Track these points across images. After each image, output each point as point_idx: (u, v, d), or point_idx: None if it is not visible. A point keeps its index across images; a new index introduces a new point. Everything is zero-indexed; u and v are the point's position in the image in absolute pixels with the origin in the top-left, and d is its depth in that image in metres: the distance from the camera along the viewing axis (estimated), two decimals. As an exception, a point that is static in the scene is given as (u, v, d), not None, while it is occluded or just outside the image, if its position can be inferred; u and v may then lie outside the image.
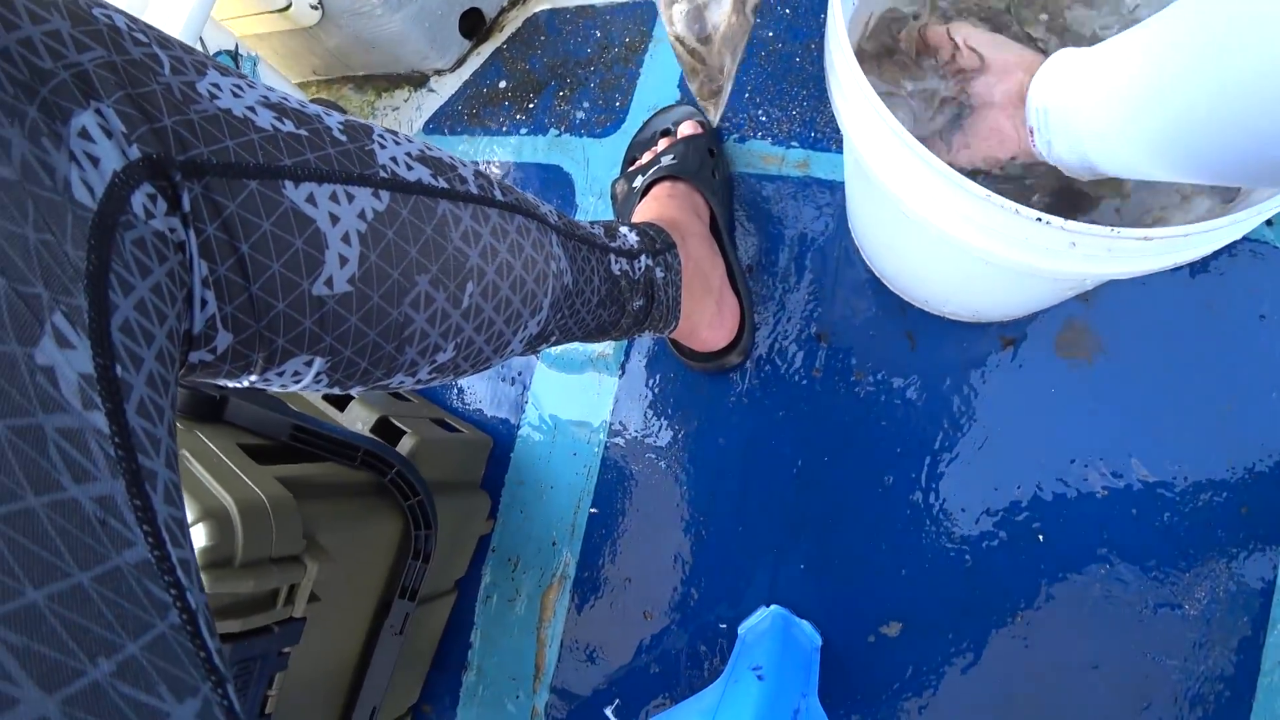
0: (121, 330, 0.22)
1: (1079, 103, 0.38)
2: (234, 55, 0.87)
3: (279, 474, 0.51)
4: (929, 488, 0.63)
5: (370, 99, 1.03)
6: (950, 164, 0.35)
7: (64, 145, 0.22)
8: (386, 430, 0.66)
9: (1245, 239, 0.63)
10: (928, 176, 0.36)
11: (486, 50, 0.96)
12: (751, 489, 0.68)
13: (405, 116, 0.98)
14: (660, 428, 0.71)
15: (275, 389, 0.34)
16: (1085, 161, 0.40)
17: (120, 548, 0.19)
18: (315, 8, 0.85)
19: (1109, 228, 0.33)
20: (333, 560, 0.51)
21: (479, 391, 0.80)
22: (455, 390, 0.81)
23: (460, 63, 0.97)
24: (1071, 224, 0.34)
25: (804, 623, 0.65)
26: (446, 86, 0.96)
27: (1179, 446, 0.60)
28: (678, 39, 0.46)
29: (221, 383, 0.32)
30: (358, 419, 0.67)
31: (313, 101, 0.99)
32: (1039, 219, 0.33)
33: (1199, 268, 0.64)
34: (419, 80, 0.99)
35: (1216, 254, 0.63)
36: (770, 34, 0.78)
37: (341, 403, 0.69)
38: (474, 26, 0.96)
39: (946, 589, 0.62)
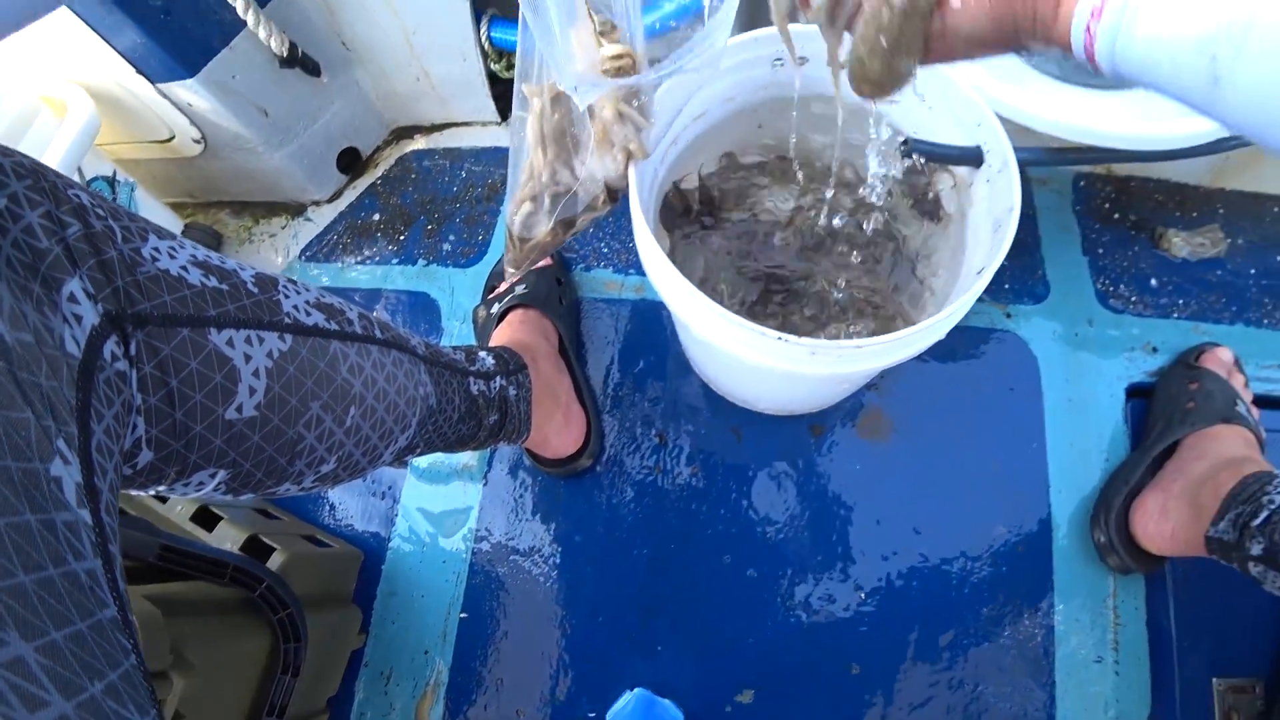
0: (96, 450, 0.29)
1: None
2: (111, 181, 0.89)
3: (146, 592, 0.52)
4: (763, 562, 0.72)
5: (247, 224, 1.06)
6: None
7: (59, 310, 0.29)
8: (256, 548, 0.68)
9: (992, 330, 0.80)
10: (706, 312, 0.47)
11: (362, 185, 1.04)
12: (608, 581, 0.74)
13: (282, 243, 1.03)
14: (522, 531, 0.77)
15: (176, 495, 0.39)
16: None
17: (102, 607, 0.26)
18: (198, 141, 0.90)
19: (834, 341, 0.45)
20: (199, 676, 0.52)
21: (350, 506, 0.83)
22: (327, 506, 0.84)
23: (337, 195, 1.04)
24: (806, 340, 0.45)
25: (666, 702, 0.70)
26: (323, 216, 1.03)
27: (964, 501, 0.73)
28: (508, 228, 0.56)
29: (131, 492, 0.37)
30: (226, 538, 0.68)
31: (189, 225, 1.03)
32: (780, 338, 0.44)
33: (961, 355, 0.79)
34: (297, 209, 1.05)
35: (972, 343, 0.79)
36: (612, 178, 0.92)
37: (210, 523, 0.70)
38: (350, 163, 1.05)
39: (788, 652, 0.70)
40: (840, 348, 0.44)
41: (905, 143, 0.56)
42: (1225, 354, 0.74)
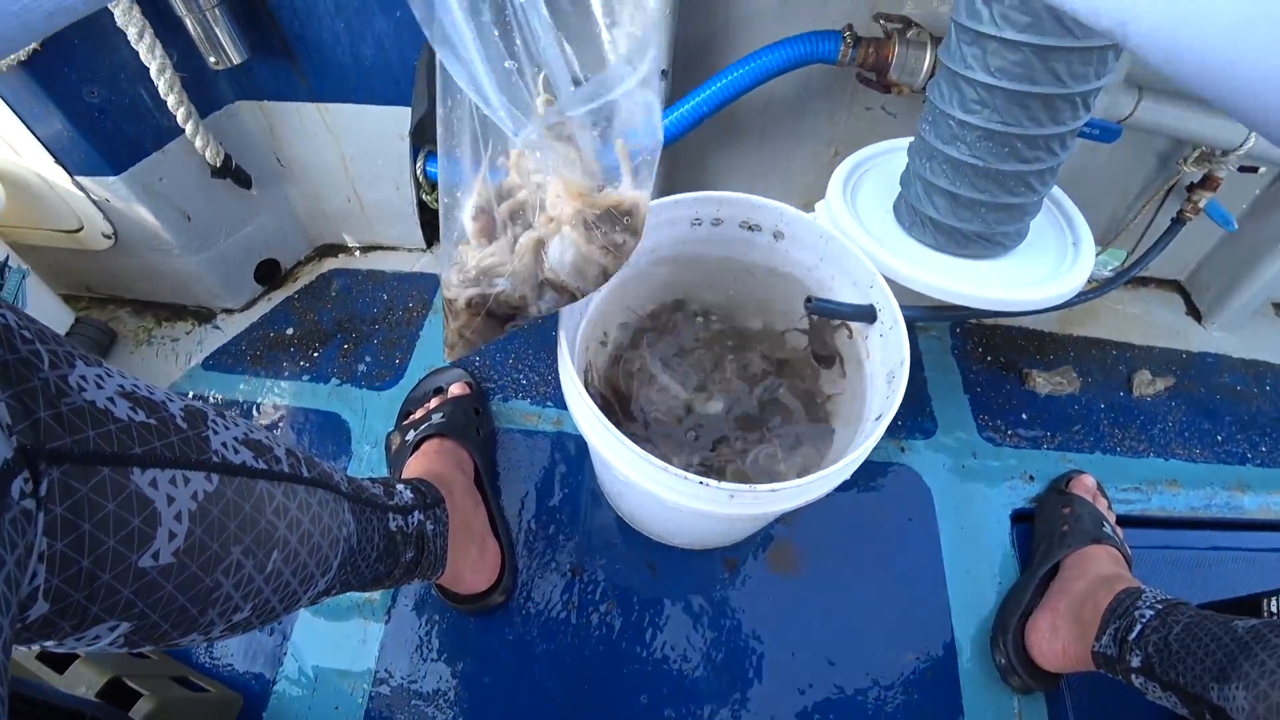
0: None
1: None
2: (1, 266, 0.83)
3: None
4: (681, 700, 0.71)
5: (149, 325, 1.01)
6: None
7: None
8: (118, 692, 0.61)
9: (890, 464, 0.85)
10: (626, 454, 0.49)
11: (278, 297, 1.02)
12: (518, 724, 0.70)
13: (184, 349, 0.97)
14: (427, 672, 0.72)
15: (63, 649, 0.34)
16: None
17: None
18: (108, 236, 0.87)
19: (749, 485, 0.47)
20: None
21: (231, 645, 0.75)
22: (204, 645, 0.76)
23: (250, 304, 1.02)
24: (726, 484, 0.47)
25: None
26: (233, 326, 0.99)
27: (872, 630, 0.75)
28: (446, 299, 0.55)
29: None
30: (80, 681, 0.61)
31: (80, 321, 0.96)
32: (701, 482, 0.46)
33: (863, 488, 0.84)
34: (205, 315, 1.01)
35: (872, 476, 0.84)
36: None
37: (61, 664, 0.62)
38: (269, 274, 1.03)
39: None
40: (757, 491, 0.47)
41: (809, 300, 0.62)
42: (1089, 480, 0.83)
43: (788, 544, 0.79)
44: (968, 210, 0.66)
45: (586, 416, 0.52)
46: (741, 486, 0.47)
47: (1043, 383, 0.97)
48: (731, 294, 0.77)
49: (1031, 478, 0.87)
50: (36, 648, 0.61)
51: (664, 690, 0.71)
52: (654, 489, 0.50)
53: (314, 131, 0.90)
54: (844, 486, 0.54)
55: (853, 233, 0.69)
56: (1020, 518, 0.84)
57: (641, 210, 0.50)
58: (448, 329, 0.59)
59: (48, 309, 0.90)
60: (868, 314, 0.63)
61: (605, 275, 0.52)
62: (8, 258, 0.84)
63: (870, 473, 0.85)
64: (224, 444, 0.40)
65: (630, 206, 0.49)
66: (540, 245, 0.49)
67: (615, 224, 0.49)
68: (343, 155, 0.93)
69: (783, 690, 0.72)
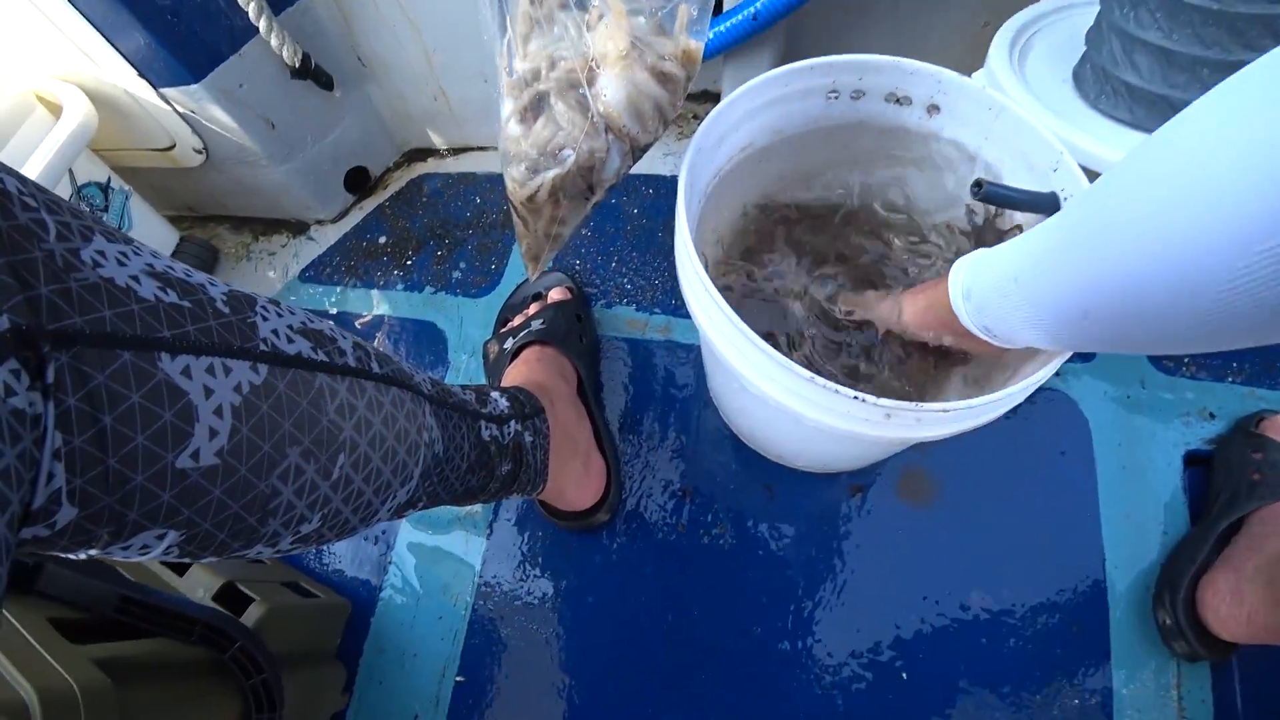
0: None
1: (986, 285, 0.44)
2: (105, 188, 0.85)
3: (97, 654, 0.45)
4: (795, 635, 0.65)
5: (246, 241, 1.02)
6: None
7: None
8: (231, 597, 0.61)
9: (1043, 389, 0.74)
10: (764, 363, 0.41)
11: (369, 205, 0.99)
12: (623, 646, 0.67)
13: (281, 262, 0.98)
14: (529, 588, 0.70)
15: (116, 560, 0.31)
16: (991, 332, 0.44)
17: None
18: (199, 151, 0.86)
19: (914, 403, 0.39)
20: (151, 759, 0.45)
21: (339, 552, 0.76)
22: (313, 550, 0.77)
23: (342, 215, 0.99)
24: (885, 401, 0.39)
25: (681, 788, 0.63)
26: (327, 236, 0.98)
27: (1012, 575, 0.67)
28: (512, 201, 0.51)
29: (53, 554, 0.29)
30: (199, 585, 0.61)
31: (184, 240, 0.97)
32: (855, 397, 0.38)
33: (1008, 415, 0.73)
34: (299, 227, 1.00)
35: (1022, 403, 0.73)
36: (635, 210, 0.87)
37: (181, 566, 0.63)
38: (358, 182, 1.00)
39: (821, 737, 0.63)
40: (921, 411, 0.39)
41: (977, 184, 0.51)
42: None
43: (921, 472, 0.71)
44: (1183, 72, 0.53)
45: (712, 314, 0.44)
46: (903, 405, 0.39)
47: (1235, 301, 0.81)
48: (870, 185, 0.67)
49: (1212, 415, 0.74)
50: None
51: (779, 623, 0.66)
52: (791, 404, 0.42)
53: (393, 23, 0.83)
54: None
55: (1025, 106, 0.57)
56: (1195, 460, 0.72)
57: (694, 51, 0.47)
58: (527, 240, 0.53)
59: (153, 229, 0.92)
60: (1049, 203, 0.51)
61: (662, 115, 0.47)
62: (110, 179, 0.85)
63: (1020, 398, 0.75)
64: (274, 331, 0.34)
65: (682, 48, 0.46)
66: (588, 94, 0.45)
67: (664, 57, 0.46)
68: (425, 48, 0.86)
69: (908, 632, 0.65)
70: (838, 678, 0.64)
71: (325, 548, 0.76)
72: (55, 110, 0.78)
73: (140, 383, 0.27)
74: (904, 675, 0.64)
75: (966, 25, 0.82)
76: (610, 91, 0.45)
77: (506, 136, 0.49)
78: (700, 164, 0.53)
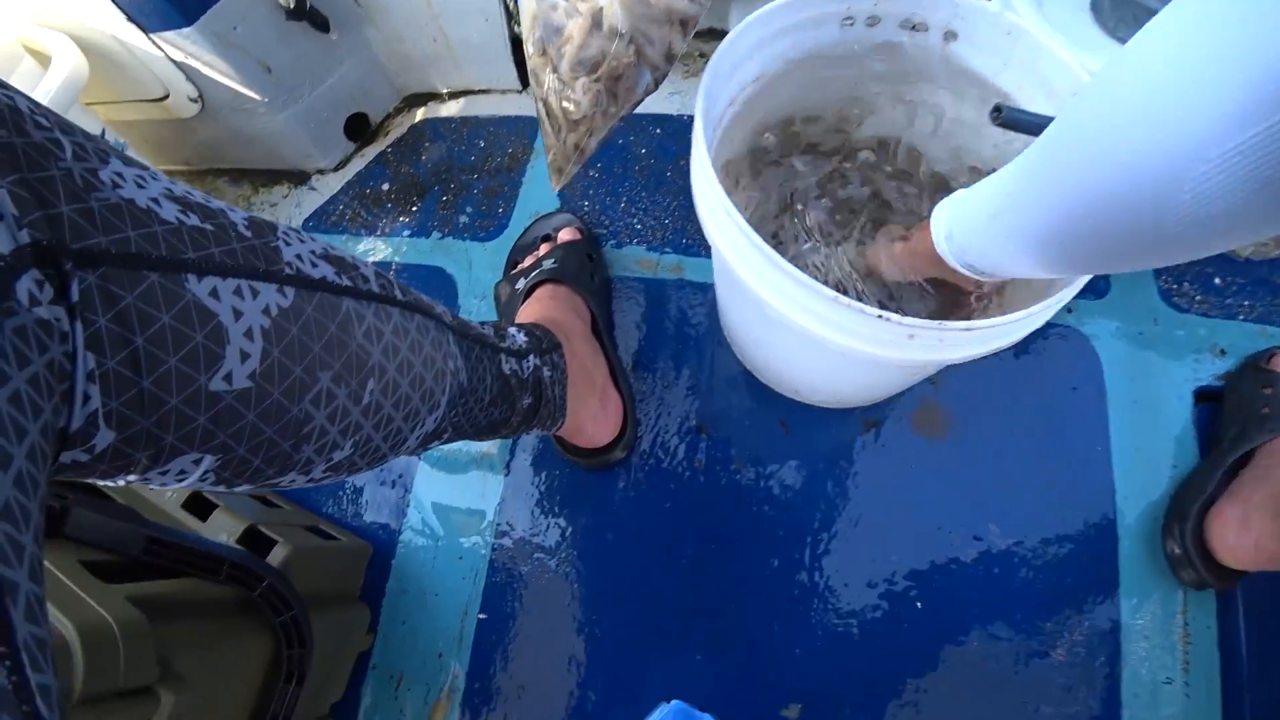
0: None
1: (967, 225, 0.45)
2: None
3: (130, 593, 0.46)
4: (813, 567, 0.67)
5: (246, 193, 1.00)
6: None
7: None
8: (255, 540, 0.62)
9: (1053, 324, 0.74)
10: (787, 284, 0.41)
11: (371, 153, 0.97)
12: (642, 583, 0.68)
13: (284, 213, 0.96)
14: (548, 526, 0.71)
15: (154, 487, 0.31)
16: (976, 269, 0.46)
17: None
18: (194, 100, 0.84)
19: (937, 322, 0.39)
20: (191, 689, 0.46)
21: (357, 495, 0.76)
22: (331, 495, 0.77)
23: (344, 163, 0.98)
24: (908, 319, 0.39)
25: (705, 716, 0.64)
26: (328, 185, 0.96)
27: (1025, 507, 0.68)
28: (544, 102, 0.50)
29: (94, 482, 0.29)
30: (222, 529, 0.62)
31: None
32: (879, 315, 0.38)
33: (1021, 351, 0.74)
34: (300, 177, 0.98)
35: (1033, 338, 0.73)
36: (643, 150, 0.86)
37: (204, 511, 0.63)
38: (359, 129, 0.98)
39: (839, 664, 0.65)
40: (945, 330, 0.39)
41: (996, 109, 0.50)
42: None
43: (934, 405, 0.71)
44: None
45: (732, 236, 0.44)
46: (926, 323, 0.39)
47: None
48: (882, 117, 0.65)
49: (1223, 352, 0.74)
50: (178, 494, 0.63)
51: (795, 555, 0.67)
52: (814, 326, 0.42)
53: (390, -40, 0.81)
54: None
55: (1041, 34, 0.55)
56: (1205, 396, 0.72)
57: None
58: (554, 150, 0.52)
59: (150, 186, 0.89)
60: (1070, 125, 0.50)
61: (684, 26, 0.47)
62: (104, 131, 0.82)
63: (1030, 334, 0.75)
64: (298, 256, 0.34)
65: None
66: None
67: None
68: (423, -15, 0.83)
69: (923, 563, 0.66)
70: (855, 607, 0.66)
71: (343, 492, 0.77)
72: (44, 61, 0.76)
73: (169, 304, 0.27)
74: (919, 604, 0.65)
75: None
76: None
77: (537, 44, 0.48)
78: (715, 90, 0.52)
